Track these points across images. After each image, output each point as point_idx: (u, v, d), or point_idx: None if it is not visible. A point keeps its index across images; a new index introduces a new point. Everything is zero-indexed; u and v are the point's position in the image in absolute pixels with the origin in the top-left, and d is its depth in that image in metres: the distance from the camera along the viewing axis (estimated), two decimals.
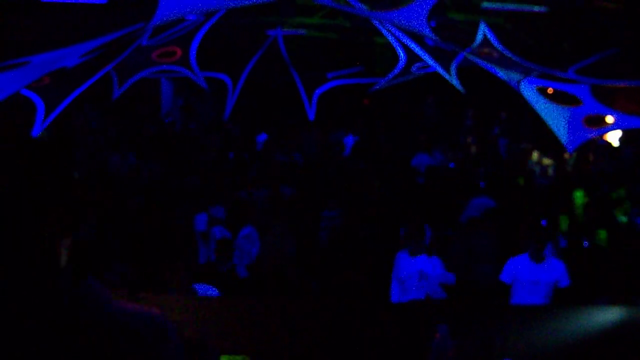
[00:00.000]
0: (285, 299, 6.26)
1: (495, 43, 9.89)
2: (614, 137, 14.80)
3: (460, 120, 19.06)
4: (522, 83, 9.29)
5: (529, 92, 9.29)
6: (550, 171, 14.57)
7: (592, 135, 9.12)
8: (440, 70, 12.00)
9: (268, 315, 4.87)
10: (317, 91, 15.90)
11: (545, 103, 9.21)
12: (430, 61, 12.07)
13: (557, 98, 9.22)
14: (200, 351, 1.77)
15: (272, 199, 10.99)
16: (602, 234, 7.81)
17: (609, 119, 9.14)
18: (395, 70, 13.73)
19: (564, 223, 7.34)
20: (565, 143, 9.29)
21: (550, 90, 9.41)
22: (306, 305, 5.15)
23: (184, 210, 10.39)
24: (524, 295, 6.88)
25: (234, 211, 10.13)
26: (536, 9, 11.91)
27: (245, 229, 9.40)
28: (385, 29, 11.87)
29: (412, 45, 11.85)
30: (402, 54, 12.86)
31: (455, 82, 12.07)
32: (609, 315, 4.69)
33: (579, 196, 9.68)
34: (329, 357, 4.73)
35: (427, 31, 9.28)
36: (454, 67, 11.72)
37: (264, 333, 4.76)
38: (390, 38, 12.18)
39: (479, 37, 9.98)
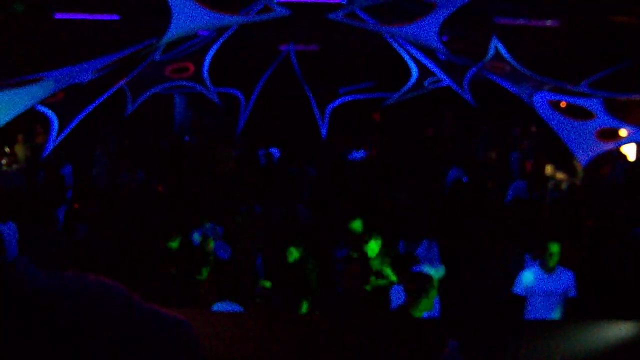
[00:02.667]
0: (297, 315, 6.25)
1: (508, 57, 9.89)
2: (630, 150, 14.72)
3: (473, 134, 19.04)
4: (535, 97, 9.27)
5: (541, 105, 9.27)
6: (563, 185, 14.51)
7: (605, 148, 9.06)
8: (452, 84, 12.02)
9: (278, 328, 4.86)
10: (329, 106, 15.95)
11: (558, 117, 9.19)
12: (442, 75, 12.09)
13: (570, 112, 9.19)
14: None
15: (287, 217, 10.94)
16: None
17: (623, 132, 9.09)
18: (408, 85, 13.75)
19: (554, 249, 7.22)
20: (578, 157, 9.25)
21: (563, 104, 9.38)
22: (318, 320, 5.15)
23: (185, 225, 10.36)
24: (538, 307, 6.83)
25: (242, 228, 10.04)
26: (548, 22, 11.91)
27: None
28: (397, 44, 11.90)
29: (424, 60, 11.88)
30: (414, 69, 12.89)
31: (467, 96, 12.07)
32: (621, 330, 4.65)
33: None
34: None
35: (439, 45, 9.30)
36: (466, 81, 11.74)
37: (274, 347, 4.76)
38: (402, 52, 12.21)
39: (491, 51, 9.98)
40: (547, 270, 6.89)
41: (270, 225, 10.36)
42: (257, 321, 5.05)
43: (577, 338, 4.65)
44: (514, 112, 16.39)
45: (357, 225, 9.07)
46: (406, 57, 12.44)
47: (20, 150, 15.49)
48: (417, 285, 5.38)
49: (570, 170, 14.43)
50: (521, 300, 6.93)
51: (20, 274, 1.59)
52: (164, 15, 7.60)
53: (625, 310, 6.50)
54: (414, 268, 7.57)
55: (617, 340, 4.62)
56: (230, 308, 6.08)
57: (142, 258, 8.67)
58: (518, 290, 6.99)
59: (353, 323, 5.15)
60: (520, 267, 7.36)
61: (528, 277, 6.98)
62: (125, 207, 11.23)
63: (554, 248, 6.94)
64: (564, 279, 6.89)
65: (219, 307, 6.13)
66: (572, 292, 6.89)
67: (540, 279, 6.90)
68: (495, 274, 7.83)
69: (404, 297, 6.40)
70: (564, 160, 14.33)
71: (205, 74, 12.78)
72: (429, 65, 11.94)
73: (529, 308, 6.93)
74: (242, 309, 6.06)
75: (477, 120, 18.01)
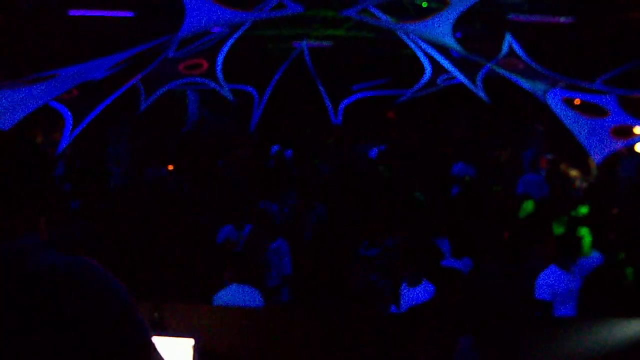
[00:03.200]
0: (302, 309, 6.27)
1: (522, 54, 9.86)
2: None
3: (487, 132, 18.97)
4: (549, 94, 9.24)
5: (555, 103, 9.23)
6: (577, 183, 14.44)
7: (619, 146, 9.03)
8: (465, 81, 11.99)
9: (293, 325, 4.87)
10: (342, 103, 15.94)
11: (572, 114, 9.15)
12: (455, 73, 12.06)
13: (584, 109, 9.15)
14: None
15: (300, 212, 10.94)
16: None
17: (637, 130, 9.05)
18: (421, 82, 13.72)
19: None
20: (592, 154, 9.21)
21: (577, 101, 9.34)
22: (327, 315, 5.16)
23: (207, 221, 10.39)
24: (562, 306, 6.77)
25: (263, 223, 10.03)
26: (563, 19, 11.84)
27: (274, 242, 9.34)
28: (411, 41, 11.88)
29: (438, 57, 11.84)
30: (427, 66, 12.86)
31: (480, 93, 12.04)
32: (636, 328, 4.63)
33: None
34: None
35: (452, 42, 9.28)
36: (479, 78, 11.71)
37: (289, 344, 4.77)
38: (415, 50, 12.19)
39: (505, 48, 9.95)
40: (567, 268, 6.82)
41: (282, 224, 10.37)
42: (267, 316, 5.07)
43: (591, 336, 4.63)
44: (523, 110, 16.31)
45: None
46: (419, 54, 12.41)
47: None
48: (449, 281, 5.34)
49: (584, 168, 14.37)
50: (548, 305, 6.80)
51: (22, 251, 1.68)
52: (178, 12, 7.63)
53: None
54: (444, 263, 7.52)
55: (634, 337, 4.60)
56: (248, 291, 6.10)
57: (165, 253, 8.73)
58: (543, 295, 6.83)
59: (365, 319, 5.16)
60: (536, 266, 7.27)
61: (550, 279, 6.86)
62: (150, 204, 11.29)
63: (586, 240, 6.92)
64: (578, 276, 6.86)
65: (235, 289, 6.14)
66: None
67: (564, 279, 6.81)
68: (507, 271, 7.79)
69: (423, 294, 6.35)
70: (575, 158, 14.28)
71: (219, 71, 12.81)
72: (443, 62, 11.90)
73: (555, 309, 6.84)
74: (258, 293, 6.09)
75: (488, 117, 17.90)
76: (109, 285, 1.71)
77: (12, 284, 1.62)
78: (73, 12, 11.75)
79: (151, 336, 1.76)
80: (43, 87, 8.07)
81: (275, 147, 17.55)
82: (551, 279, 6.83)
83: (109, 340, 1.65)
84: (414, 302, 6.16)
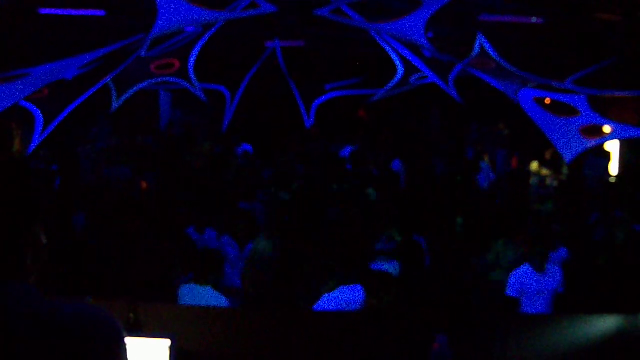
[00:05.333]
0: (282, 310, 6.26)
1: (493, 54, 9.94)
2: (613, 147, 14.81)
3: (458, 130, 19.11)
4: (520, 93, 9.32)
5: (526, 102, 9.32)
6: (548, 181, 14.59)
7: (589, 145, 9.13)
8: (437, 81, 12.05)
9: (270, 325, 4.87)
10: (315, 102, 15.94)
11: (543, 113, 9.24)
12: (427, 72, 12.12)
13: (555, 108, 9.25)
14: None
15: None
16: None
17: (607, 129, 9.16)
18: (393, 81, 13.78)
19: None
20: (562, 153, 9.31)
21: (547, 101, 9.44)
22: (304, 315, 5.16)
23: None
24: (530, 306, 6.83)
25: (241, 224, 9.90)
26: (533, 19, 11.96)
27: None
28: (383, 40, 11.92)
29: (410, 57, 11.89)
30: (399, 65, 12.91)
31: (452, 93, 12.11)
32: (609, 324, 4.69)
33: None
34: None
35: (424, 42, 9.33)
36: (451, 78, 11.77)
37: (266, 344, 4.77)
38: (387, 49, 12.23)
39: (476, 48, 10.03)
40: (539, 269, 6.90)
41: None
42: (246, 316, 5.05)
43: (567, 332, 4.68)
44: (492, 110, 16.46)
45: None
46: (392, 54, 12.45)
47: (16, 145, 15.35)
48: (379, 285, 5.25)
49: (555, 167, 14.52)
50: (515, 302, 6.91)
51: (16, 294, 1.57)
52: (150, 11, 7.58)
53: (615, 304, 6.54)
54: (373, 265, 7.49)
55: (607, 333, 4.66)
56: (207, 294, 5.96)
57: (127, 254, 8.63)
58: (511, 292, 6.94)
59: (338, 317, 5.17)
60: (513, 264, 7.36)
61: (521, 277, 6.96)
62: (111, 203, 11.16)
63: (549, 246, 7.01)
64: (555, 276, 6.90)
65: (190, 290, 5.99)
66: (560, 288, 6.90)
67: (532, 279, 6.90)
68: (478, 268, 7.87)
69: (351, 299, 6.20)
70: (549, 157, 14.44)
71: (191, 70, 12.74)
72: (415, 61, 11.96)
73: (523, 308, 6.93)
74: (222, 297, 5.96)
75: (461, 117, 18.05)
76: (115, 342, 1.63)
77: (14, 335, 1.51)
78: (44, 11, 11.64)
79: None
80: (14, 86, 7.99)
81: (246, 146, 17.48)
82: (522, 278, 6.93)
83: None
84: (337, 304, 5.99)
